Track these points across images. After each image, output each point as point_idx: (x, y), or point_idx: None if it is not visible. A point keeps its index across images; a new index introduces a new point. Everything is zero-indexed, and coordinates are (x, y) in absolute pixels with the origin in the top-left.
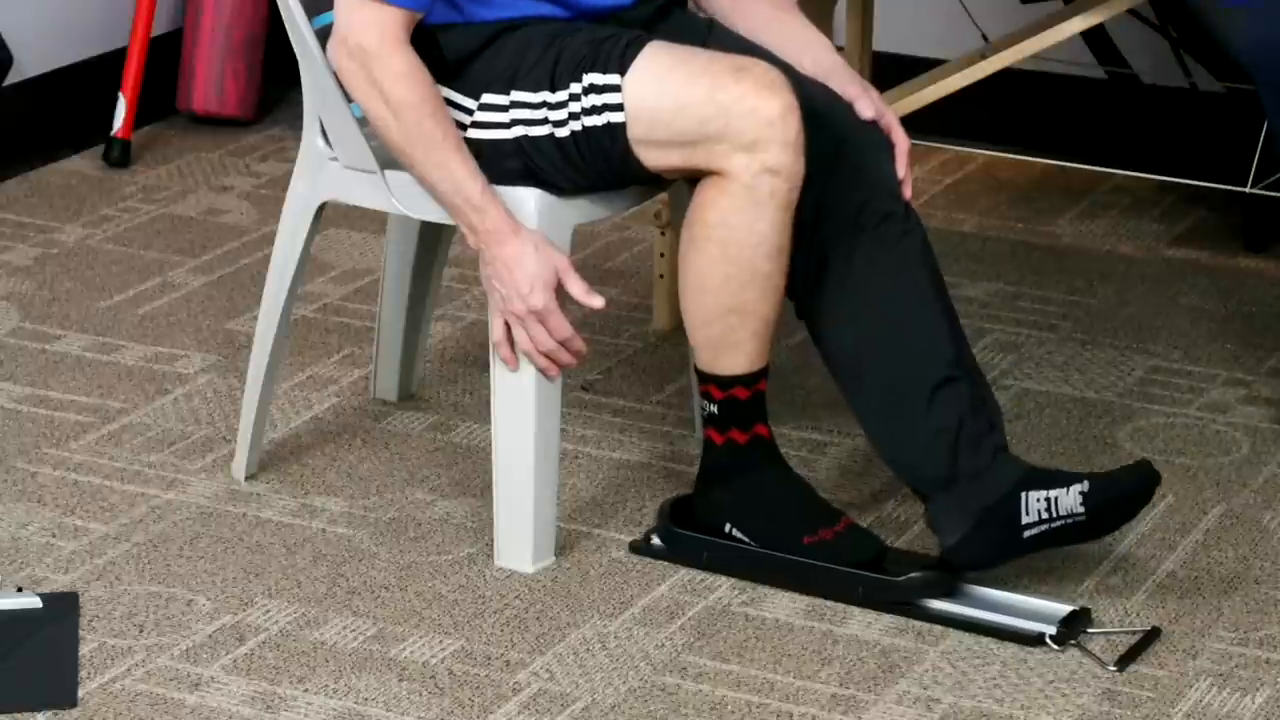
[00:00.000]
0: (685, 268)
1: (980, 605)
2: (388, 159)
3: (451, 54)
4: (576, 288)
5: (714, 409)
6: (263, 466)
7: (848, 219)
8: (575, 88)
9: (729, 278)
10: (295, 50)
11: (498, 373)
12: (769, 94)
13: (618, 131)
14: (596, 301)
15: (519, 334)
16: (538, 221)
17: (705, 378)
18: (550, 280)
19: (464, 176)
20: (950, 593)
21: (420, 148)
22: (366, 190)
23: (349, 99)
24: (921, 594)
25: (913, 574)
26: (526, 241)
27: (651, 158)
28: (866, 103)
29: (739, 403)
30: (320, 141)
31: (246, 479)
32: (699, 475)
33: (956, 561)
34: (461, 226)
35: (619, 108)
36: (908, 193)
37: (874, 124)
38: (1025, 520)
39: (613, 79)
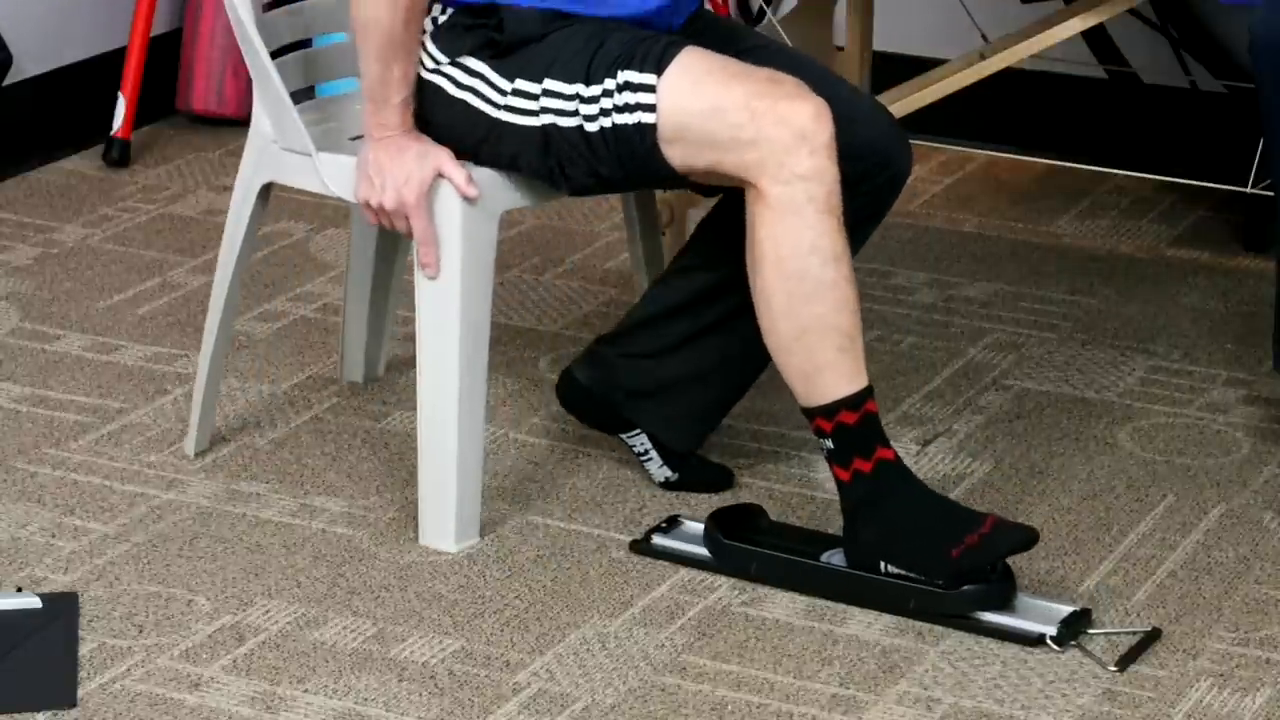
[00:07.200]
0: (754, 296)
1: None
2: (322, 142)
3: (509, 35)
4: (458, 176)
5: (829, 444)
6: (264, 467)
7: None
8: (610, 84)
9: (791, 294)
10: (238, 37)
11: (423, 354)
12: (800, 101)
13: (647, 131)
14: (472, 191)
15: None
16: (460, 210)
17: (810, 413)
18: (427, 180)
19: (401, 78)
20: (1004, 606)
21: (384, 36)
22: (302, 172)
23: (287, 85)
24: (974, 608)
25: (964, 587)
26: (413, 139)
27: (679, 157)
28: None
29: (850, 429)
30: (266, 125)
31: (196, 454)
32: (844, 522)
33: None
34: (366, 109)
35: (651, 108)
36: None
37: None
38: None
39: (649, 78)
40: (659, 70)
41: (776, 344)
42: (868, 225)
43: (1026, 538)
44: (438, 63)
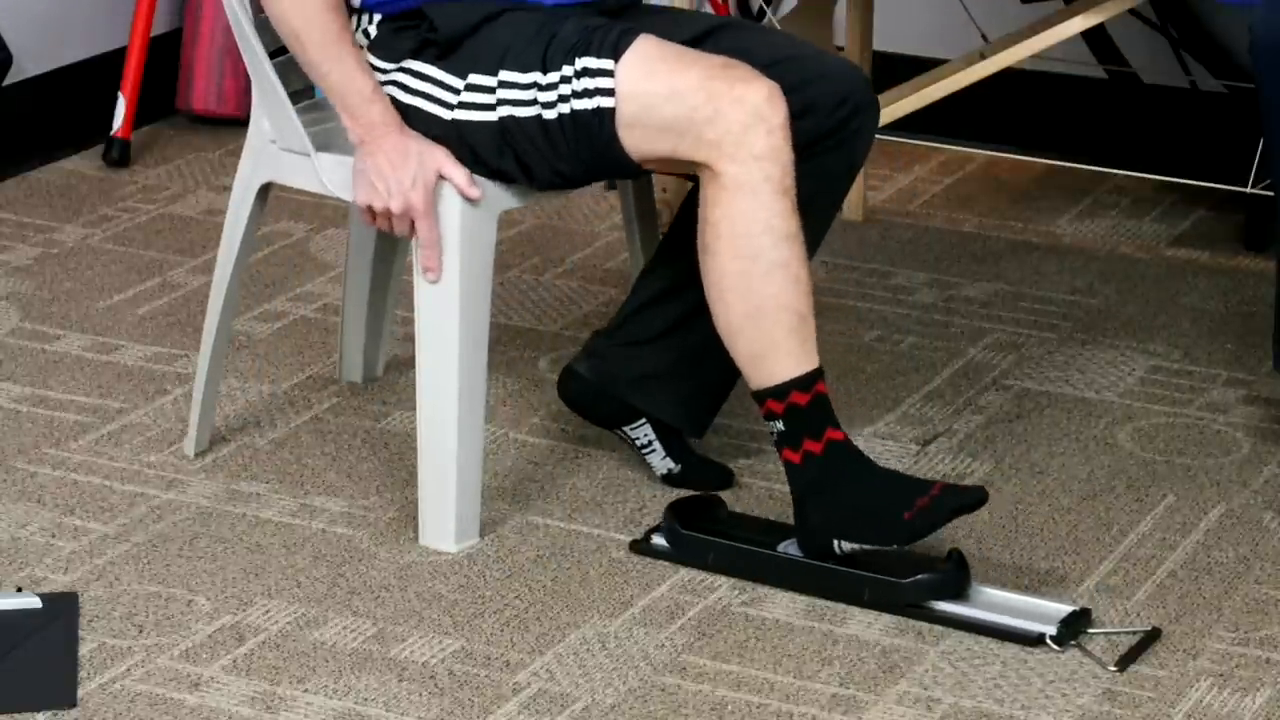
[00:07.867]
0: (705, 278)
1: (981, 605)
2: (321, 142)
3: (444, 33)
4: (460, 176)
5: (780, 425)
6: (264, 467)
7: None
8: (567, 70)
9: (745, 273)
10: (236, 38)
11: (423, 354)
12: (755, 82)
13: (606, 117)
14: (474, 192)
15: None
16: (460, 211)
17: (760, 396)
18: (431, 181)
19: (355, 70)
20: (958, 595)
21: (318, 32)
22: (301, 172)
23: (286, 86)
24: (927, 596)
25: (919, 576)
26: (410, 139)
27: (638, 144)
28: None
29: (801, 410)
30: (265, 124)
31: (196, 454)
32: (794, 505)
33: None
34: (345, 120)
35: (610, 92)
36: None
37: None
38: None
39: (606, 63)
40: (616, 56)
41: (727, 325)
42: (842, 182)
43: (976, 498)
44: (383, 71)
